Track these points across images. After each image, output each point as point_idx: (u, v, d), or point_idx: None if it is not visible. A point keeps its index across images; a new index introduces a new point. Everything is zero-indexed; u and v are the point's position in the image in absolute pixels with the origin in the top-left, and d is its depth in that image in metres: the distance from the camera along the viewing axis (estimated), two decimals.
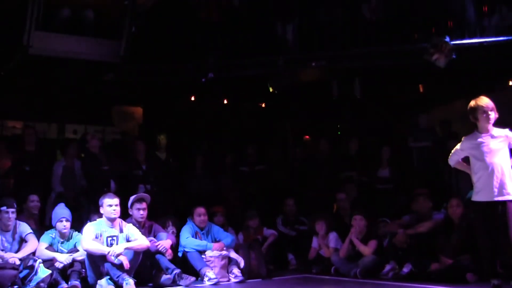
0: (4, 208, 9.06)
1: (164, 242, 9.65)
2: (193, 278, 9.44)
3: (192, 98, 13.58)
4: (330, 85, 12.75)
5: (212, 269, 9.73)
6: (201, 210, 10.33)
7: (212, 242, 10.19)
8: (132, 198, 9.85)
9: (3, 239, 9.05)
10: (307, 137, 14.14)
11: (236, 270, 9.95)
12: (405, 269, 9.49)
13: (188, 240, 10.05)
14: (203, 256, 9.93)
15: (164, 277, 9.34)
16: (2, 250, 8.88)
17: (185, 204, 11.12)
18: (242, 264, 10.07)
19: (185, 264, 9.88)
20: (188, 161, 12.33)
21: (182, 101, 13.76)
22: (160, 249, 9.51)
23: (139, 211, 9.78)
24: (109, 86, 12.34)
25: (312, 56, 11.71)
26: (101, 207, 9.23)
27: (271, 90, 12.15)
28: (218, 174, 12.55)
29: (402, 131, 13.14)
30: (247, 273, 10.04)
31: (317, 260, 10.93)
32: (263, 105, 14.70)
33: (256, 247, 10.63)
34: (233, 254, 10.15)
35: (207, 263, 9.84)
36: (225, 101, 14.16)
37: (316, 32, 11.94)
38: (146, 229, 9.76)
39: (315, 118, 14.25)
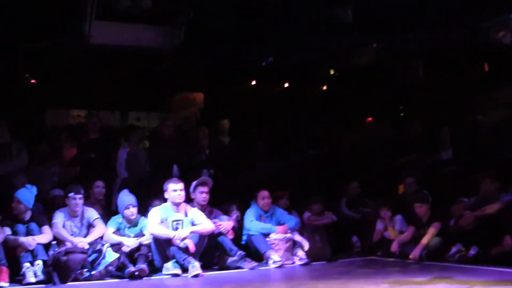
0: (71, 194, 9.27)
1: (225, 223, 9.73)
2: (255, 263, 9.50)
3: (253, 83, 13.57)
4: (391, 66, 12.59)
5: (276, 252, 9.76)
6: (265, 193, 10.37)
7: (276, 225, 10.22)
8: (194, 182, 9.93)
9: (72, 224, 9.27)
10: (370, 119, 14.00)
11: (300, 253, 9.98)
12: (472, 251, 9.35)
13: (253, 223, 10.10)
14: (267, 239, 9.97)
15: (230, 259, 9.42)
16: (71, 235, 9.09)
17: (248, 188, 11.12)
18: (306, 247, 10.07)
19: (248, 249, 9.93)
20: (251, 145, 12.33)
21: (243, 86, 13.77)
22: (221, 229, 9.57)
23: (202, 194, 9.89)
24: (169, 73, 12.40)
25: (374, 38, 11.56)
26: (165, 192, 9.37)
27: (332, 73, 12.04)
28: (281, 158, 12.51)
29: (466, 111, 12.87)
30: (311, 255, 10.04)
31: (381, 243, 10.84)
32: (325, 88, 14.60)
33: (321, 230, 10.61)
34: (297, 237, 10.16)
35: (272, 246, 9.88)
36: (286, 85, 14.11)
37: (377, 14, 11.77)
38: (207, 213, 9.81)
39: (377, 101, 14.07)
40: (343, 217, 11.57)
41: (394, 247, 10.17)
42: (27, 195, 9.01)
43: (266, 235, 10.02)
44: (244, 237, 10.21)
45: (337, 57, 12.36)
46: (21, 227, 8.77)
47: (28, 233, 8.74)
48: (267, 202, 10.35)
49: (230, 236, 9.71)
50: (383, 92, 13.83)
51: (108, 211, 10.29)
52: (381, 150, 12.74)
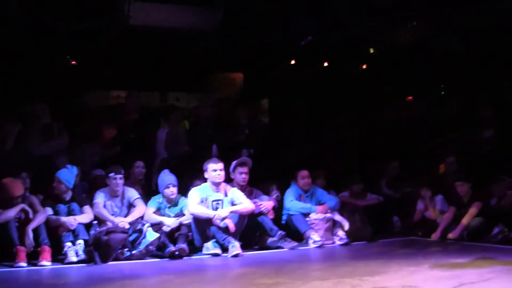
0: (112, 174, 9.34)
1: (266, 203, 9.72)
2: (295, 243, 9.47)
3: (292, 62, 13.50)
4: (432, 44, 12.40)
5: (316, 232, 9.74)
6: (305, 173, 10.35)
7: (316, 204, 10.19)
8: (234, 162, 9.93)
9: (112, 204, 9.35)
10: (410, 98, 13.85)
11: (340, 233, 9.95)
12: None
13: (293, 203, 10.09)
14: (307, 218, 9.95)
15: (270, 240, 9.42)
16: (112, 215, 9.18)
17: (288, 168, 11.10)
18: (346, 227, 10.04)
19: (288, 229, 9.88)
20: (290, 124, 12.29)
21: (282, 65, 13.71)
22: (261, 209, 9.56)
23: (241, 175, 9.90)
24: (209, 53, 12.40)
25: (414, 15, 11.38)
26: (205, 172, 9.39)
27: (371, 51, 11.90)
28: (321, 137, 12.45)
29: (508, 88, 12.65)
30: (351, 235, 10.01)
31: (422, 223, 10.77)
32: (364, 67, 14.46)
33: (361, 210, 10.56)
34: (337, 217, 10.14)
35: (312, 225, 9.86)
36: (325, 64, 14.01)
37: None
38: (247, 193, 9.81)
39: (417, 79, 13.92)
40: (383, 197, 11.49)
41: (436, 236, 10.04)
42: (68, 175, 9.11)
43: (306, 215, 10.01)
44: (284, 217, 10.21)
45: (377, 35, 12.22)
46: (62, 207, 8.86)
47: (70, 213, 8.84)
48: (307, 182, 10.33)
49: (271, 216, 9.71)
50: (424, 71, 13.66)
51: (148, 191, 10.34)
52: (421, 129, 12.61)
